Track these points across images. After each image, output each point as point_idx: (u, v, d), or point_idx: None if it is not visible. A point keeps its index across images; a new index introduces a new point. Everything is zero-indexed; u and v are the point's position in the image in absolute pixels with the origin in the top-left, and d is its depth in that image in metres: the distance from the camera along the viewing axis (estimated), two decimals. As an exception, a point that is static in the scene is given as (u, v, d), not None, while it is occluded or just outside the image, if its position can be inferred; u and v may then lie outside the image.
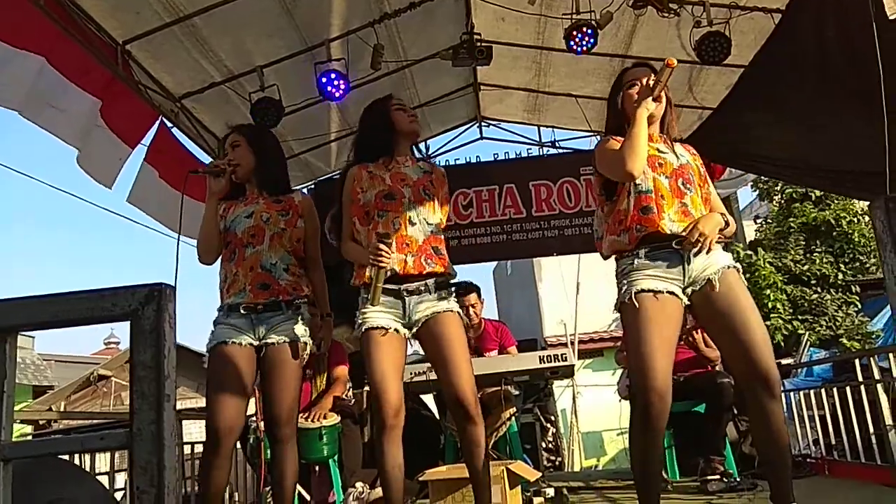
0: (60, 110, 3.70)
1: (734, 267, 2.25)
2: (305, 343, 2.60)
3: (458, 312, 2.50)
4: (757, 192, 12.37)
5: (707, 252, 2.23)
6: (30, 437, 8.93)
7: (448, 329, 2.43)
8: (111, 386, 13.12)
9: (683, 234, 2.22)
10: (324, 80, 4.62)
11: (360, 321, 2.45)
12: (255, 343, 2.57)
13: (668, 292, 2.20)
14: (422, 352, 2.65)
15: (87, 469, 3.64)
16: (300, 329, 2.59)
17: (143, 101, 4.44)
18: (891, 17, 2.71)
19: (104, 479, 3.72)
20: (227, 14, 4.17)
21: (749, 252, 11.06)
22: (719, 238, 2.28)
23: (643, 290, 2.19)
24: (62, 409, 12.28)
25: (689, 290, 2.24)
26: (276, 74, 4.77)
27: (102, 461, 4.27)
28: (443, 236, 2.58)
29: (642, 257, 2.24)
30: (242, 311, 2.55)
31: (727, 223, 2.31)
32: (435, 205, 2.56)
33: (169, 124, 4.80)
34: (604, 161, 2.37)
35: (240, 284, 2.58)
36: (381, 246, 2.36)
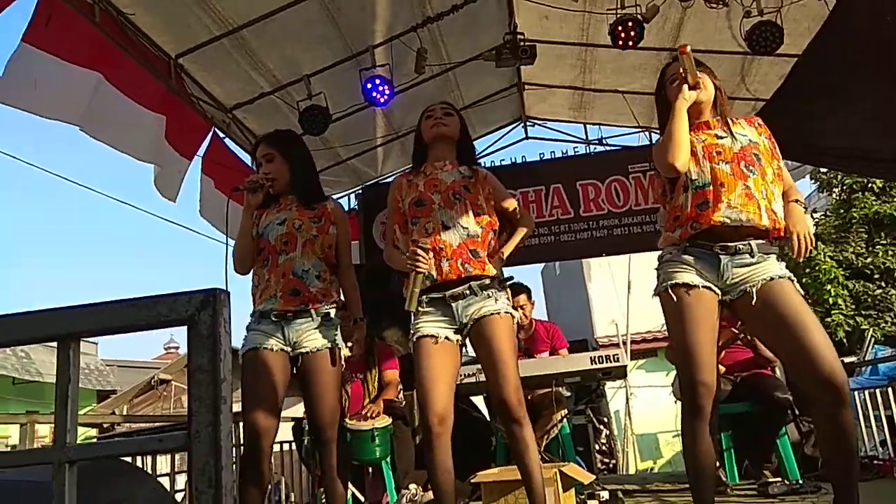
0: (127, 127, 3.83)
1: (787, 277, 2.16)
2: (339, 348, 2.65)
3: (507, 313, 2.47)
4: (816, 183, 11.96)
5: (753, 255, 2.16)
6: (94, 440, 9.28)
7: (493, 330, 2.42)
8: (171, 389, 13.52)
9: (744, 221, 2.16)
10: (369, 86, 4.68)
11: (412, 330, 2.48)
12: (288, 349, 2.60)
13: (702, 286, 2.18)
14: (472, 353, 2.66)
15: (149, 471, 3.75)
16: (331, 334, 2.63)
17: (197, 114, 4.57)
18: None
19: (165, 481, 3.83)
20: (274, 25, 4.27)
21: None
22: (772, 245, 2.22)
23: (678, 284, 2.19)
24: (125, 412, 12.71)
25: (727, 297, 2.20)
26: (323, 82, 4.85)
27: (163, 463, 4.40)
28: (488, 238, 2.53)
29: (682, 251, 2.22)
30: (273, 318, 2.59)
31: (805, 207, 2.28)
32: (470, 209, 2.53)
33: (221, 135, 4.93)
34: (654, 158, 2.35)
35: (271, 290, 2.61)
36: (418, 250, 2.40)
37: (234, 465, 2.69)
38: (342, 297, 2.78)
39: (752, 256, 2.16)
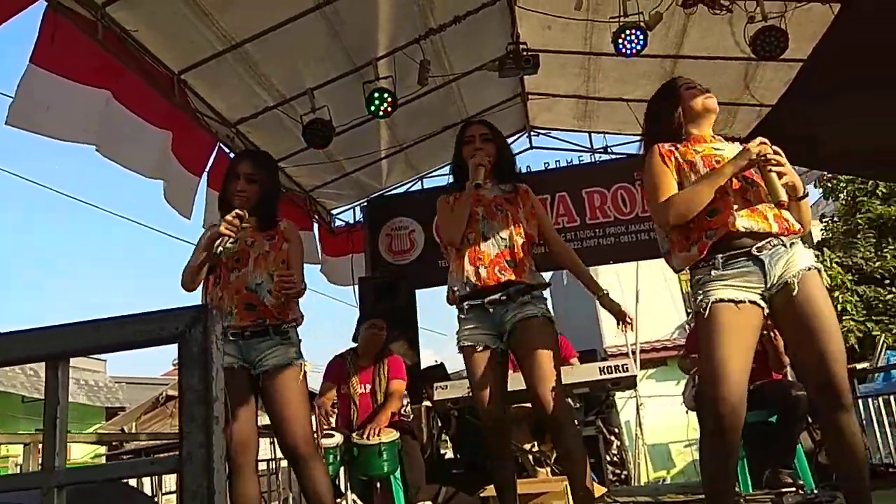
0: (136, 144, 3.84)
1: (815, 268, 2.10)
2: (300, 364, 2.60)
3: (547, 317, 2.53)
4: (821, 189, 11.90)
5: (790, 246, 2.09)
6: (104, 458, 9.25)
7: (531, 336, 2.47)
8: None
9: (755, 228, 2.09)
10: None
11: (457, 339, 2.59)
12: (248, 367, 2.56)
13: (749, 301, 2.06)
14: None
15: (155, 489, 3.73)
16: (292, 352, 2.59)
17: (202, 129, 4.58)
18: None
19: (172, 498, 3.80)
20: (277, 40, 4.28)
21: (816, 253, 10.65)
22: (797, 233, 2.15)
23: (722, 300, 2.06)
24: (133, 429, 12.68)
25: (767, 294, 2.10)
26: (326, 96, 4.86)
27: (170, 481, 4.38)
28: (525, 250, 2.60)
29: (720, 267, 2.09)
30: (231, 337, 2.55)
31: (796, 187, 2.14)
32: (510, 221, 2.62)
33: (226, 150, 4.93)
34: (662, 212, 2.22)
35: (225, 308, 2.58)
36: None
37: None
38: (297, 314, 2.69)
39: (786, 247, 2.10)
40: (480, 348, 2.50)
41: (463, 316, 2.56)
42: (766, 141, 2.09)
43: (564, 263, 2.85)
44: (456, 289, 2.57)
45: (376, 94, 4.67)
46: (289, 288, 2.45)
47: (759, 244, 2.09)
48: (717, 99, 2.33)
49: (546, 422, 2.46)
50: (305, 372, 2.63)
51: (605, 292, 2.75)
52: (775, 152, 2.06)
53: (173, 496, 3.90)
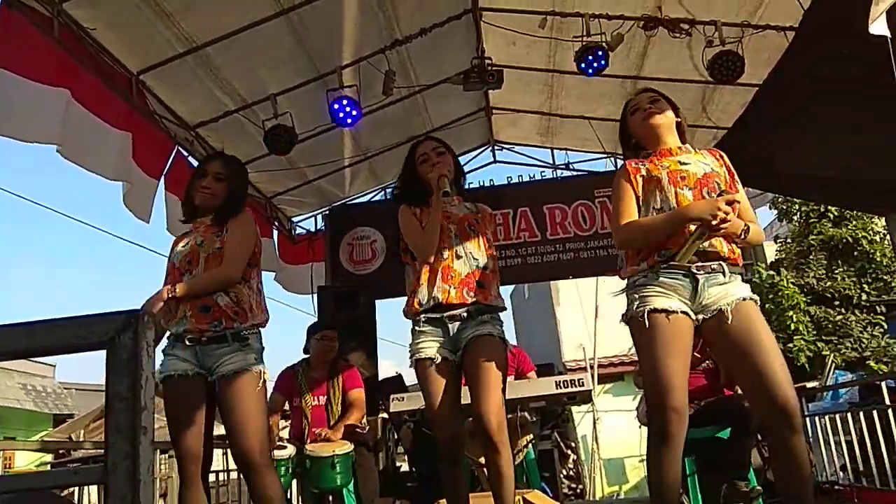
0: (96, 146, 3.75)
1: (752, 299, 2.16)
2: (259, 371, 2.51)
3: (500, 338, 2.52)
4: (776, 211, 12.23)
5: (725, 275, 2.14)
6: (49, 466, 8.93)
7: (482, 350, 2.45)
8: (130, 414, 13.16)
9: (707, 248, 2.14)
10: (336, 106, 4.66)
11: (410, 352, 2.54)
12: (204, 374, 2.49)
13: (681, 312, 2.12)
14: None
15: (102, 501, 3.60)
16: (251, 358, 2.50)
17: (161, 131, 4.49)
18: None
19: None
20: (239, 44, 4.23)
21: (772, 273, 10.91)
22: (738, 266, 2.20)
23: (656, 310, 2.12)
24: (82, 437, 12.29)
25: (699, 316, 2.15)
26: (289, 102, 4.81)
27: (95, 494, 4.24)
28: (493, 271, 2.62)
29: (656, 273, 2.17)
30: (188, 343, 2.48)
31: (748, 229, 2.22)
32: (481, 242, 2.62)
33: (184, 153, 4.85)
34: (619, 235, 2.31)
35: (180, 312, 2.50)
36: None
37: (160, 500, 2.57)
38: (259, 319, 2.60)
39: (725, 276, 2.15)
40: (438, 360, 2.47)
41: (419, 328, 2.52)
42: (736, 202, 2.12)
43: None
44: (419, 302, 2.53)
45: (341, 101, 4.64)
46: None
47: (702, 264, 2.14)
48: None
49: (483, 441, 2.41)
50: (265, 379, 2.54)
51: None
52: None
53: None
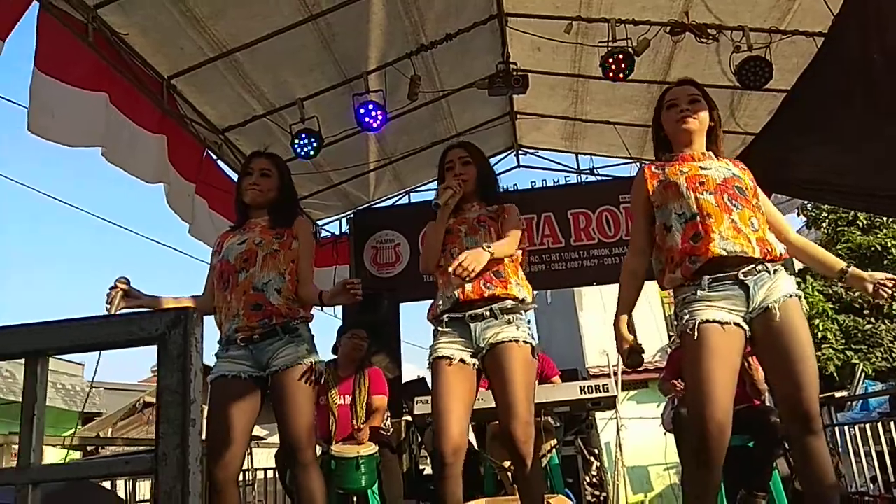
0: (135, 149, 3.84)
1: (796, 295, 2.13)
2: (311, 363, 2.55)
3: (526, 342, 2.43)
4: (804, 219, 12.08)
5: (773, 273, 2.12)
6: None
7: (508, 358, 2.37)
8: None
9: (739, 252, 2.12)
10: (362, 111, 4.70)
11: (429, 353, 2.47)
12: (260, 373, 2.53)
13: (734, 324, 2.08)
14: None
15: (130, 495, 3.68)
16: (302, 349, 2.55)
17: (191, 135, 4.58)
18: None
19: None
20: (268, 49, 4.30)
21: (798, 280, 10.77)
22: (779, 258, 2.18)
23: (708, 321, 2.06)
24: (109, 435, 12.50)
25: (748, 318, 2.11)
26: (316, 106, 4.88)
27: (144, 489, 4.32)
28: (512, 261, 2.54)
29: (705, 288, 2.11)
30: (241, 343, 2.53)
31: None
32: (493, 235, 2.54)
33: (213, 156, 4.93)
34: (631, 215, 2.38)
35: (233, 310, 2.56)
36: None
37: (204, 492, 2.63)
38: (307, 313, 2.68)
39: (770, 273, 2.13)
40: (456, 361, 2.38)
41: (441, 329, 2.47)
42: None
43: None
44: (439, 304, 2.50)
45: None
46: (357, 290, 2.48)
47: (746, 269, 2.11)
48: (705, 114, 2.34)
49: (510, 452, 2.37)
50: (317, 371, 2.57)
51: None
52: None
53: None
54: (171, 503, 0.68)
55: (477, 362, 2.43)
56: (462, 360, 2.39)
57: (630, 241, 2.32)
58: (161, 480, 0.69)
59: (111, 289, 2.49)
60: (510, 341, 2.38)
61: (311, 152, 4.73)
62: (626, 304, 2.30)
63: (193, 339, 0.70)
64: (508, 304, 2.44)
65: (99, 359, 2.38)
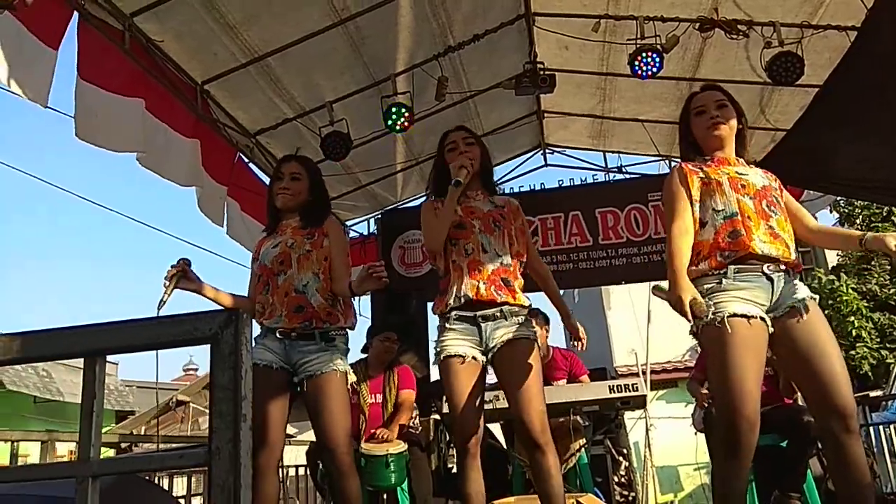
0: (169, 154, 3.94)
1: (813, 299, 2.16)
2: (345, 371, 2.62)
3: (534, 340, 2.49)
4: (837, 215, 11.87)
5: (791, 275, 2.16)
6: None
7: (520, 353, 2.42)
8: (189, 411, 13.55)
9: (776, 256, 2.14)
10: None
11: (437, 349, 2.49)
12: (289, 368, 2.60)
13: (759, 317, 2.09)
14: (492, 379, 2.65)
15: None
16: (336, 358, 2.61)
17: (223, 139, 4.67)
18: None
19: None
20: (299, 53, 4.36)
21: (832, 277, 10.59)
22: (799, 273, 2.21)
23: (735, 315, 2.07)
24: (143, 433, 12.74)
25: (771, 315, 2.13)
26: (345, 109, 4.93)
27: (180, 485, 4.41)
28: (517, 269, 2.57)
29: (730, 277, 2.12)
30: (278, 336, 2.60)
31: None
32: (506, 238, 2.56)
33: (245, 160, 5.02)
34: (666, 209, 2.32)
35: (277, 311, 2.63)
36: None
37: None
38: (348, 322, 2.73)
39: (791, 276, 2.17)
40: (469, 359, 2.42)
41: (448, 325, 2.48)
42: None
43: (540, 283, 2.77)
44: (449, 301, 2.50)
45: (394, 109, 4.74)
46: (381, 273, 2.46)
47: (772, 265, 2.14)
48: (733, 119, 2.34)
49: (527, 444, 2.40)
50: (349, 381, 2.65)
51: (571, 313, 2.82)
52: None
53: (182, 501, 3.93)
54: (224, 495, 0.72)
55: (485, 360, 2.48)
56: (473, 358, 2.44)
57: (674, 225, 2.21)
58: (214, 474, 0.72)
59: (172, 266, 2.57)
60: (521, 338, 2.45)
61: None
62: (682, 270, 2.17)
63: (244, 338, 0.74)
64: (516, 308, 2.51)
65: (158, 358, 2.44)
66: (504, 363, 2.44)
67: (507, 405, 3.06)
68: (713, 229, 2.20)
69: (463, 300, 2.46)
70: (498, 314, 2.46)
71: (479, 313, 2.46)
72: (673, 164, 6.58)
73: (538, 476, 2.42)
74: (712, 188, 2.23)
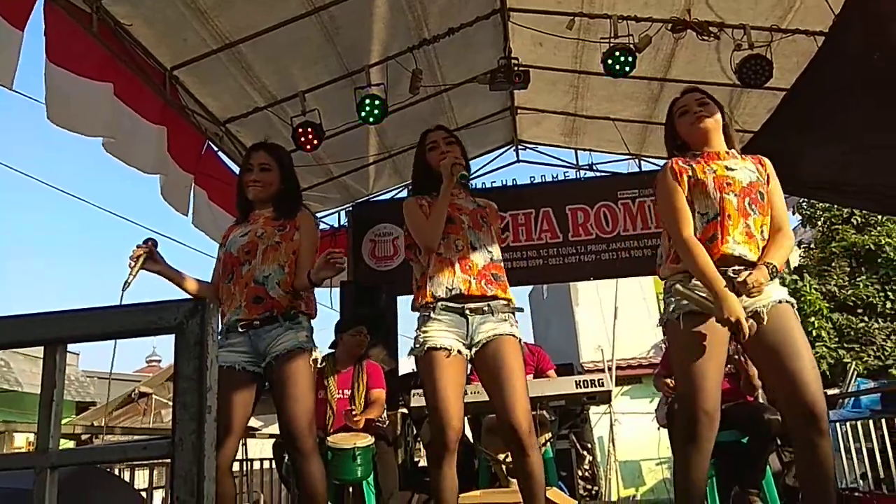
0: (135, 140, 3.85)
1: (788, 302, 2.18)
2: (310, 350, 2.56)
3: (519, 339, 2.47)
4: (799, 217, 12.13)
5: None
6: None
7: (507, 351, 2.39)
8: (151, 403, 13.33)
9: (744, 255, 2.17)
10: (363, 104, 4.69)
11: (420, 339, 2.42)
12: (258, 361, 2.54)
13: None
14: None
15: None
16: (302, 336, 2.56)
17: (191, 126, 4.58)
18: None
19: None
20: (271, 41, 4.30)
21: (794, 277, 10.83)
22: (778, 269, 2.23)
23: (693, 312, 2.13)
24: (104, 424, 12.51)
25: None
26: (318, 99, 4.88)
27: (141, 478, 4.34)
28: (501, 265, 2.58)
29: (692, 277, 2.18)
30: (240, 329, 2.55)
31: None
32: (492, 235, 2.59)
33: (214, 148, 4.94)
34: (663, 208, 2.34)
35: (236, 302, 2.58)
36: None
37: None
38: (311, 310, 2.68)
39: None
40: (454, 352, 2.37)
41: (433, 316, 2.42)
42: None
43: None
44: (435, 291, 2.45)
45: (367, 100, 4.71)
46: (337, 259, 2.41)
47: (737, 268, 2.16)
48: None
49: (514, 443, 2.37)
50: (316, 359, 2.59)
51: None
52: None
53: (144, 493, 3.87)
54: (187, 486, 0.70)
55: (469, 354, 2.43)
56: (458, 352, 2.39)
57: (685, 232, 2.22)
58: (177, 465, 0.71)
59: (138, 246, 2.51)
60: (508, 335, 2.42)
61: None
62: (710, 273, 2.15)
63: (210, 328, 0.72)
64: (504, 303, 2.49)
65: (115, 346, 2.37)
66: (489, 361, 2.40)
67: (477, 399, 3.05)
68: (697, 231, 2.24)
69: (454, 293, 2.43)
70: (486, 308, 2.44)
71: (467, 306, 2.43)
72: (642, 162, 6.66)
73: (523, 475, 2.39)
74: (698, 189, 2.26)
